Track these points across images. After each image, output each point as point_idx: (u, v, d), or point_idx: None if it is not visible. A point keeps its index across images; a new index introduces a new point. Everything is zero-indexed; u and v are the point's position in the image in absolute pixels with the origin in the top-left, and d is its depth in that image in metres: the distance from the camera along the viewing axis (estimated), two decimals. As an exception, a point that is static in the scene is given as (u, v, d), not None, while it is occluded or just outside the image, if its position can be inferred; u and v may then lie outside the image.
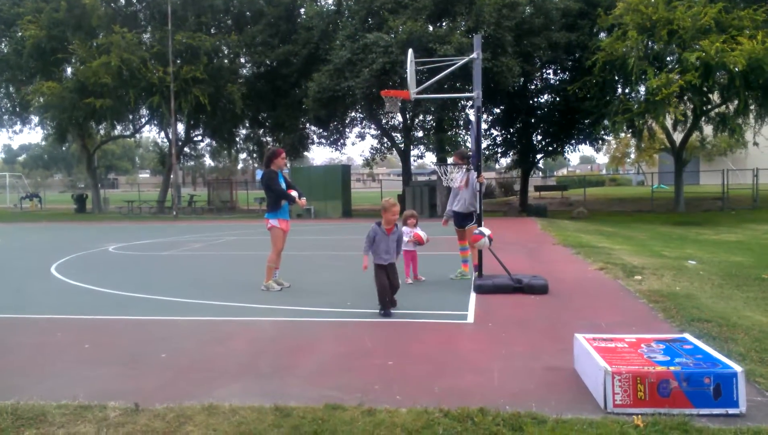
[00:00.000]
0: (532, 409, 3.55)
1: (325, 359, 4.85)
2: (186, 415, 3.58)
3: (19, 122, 34.43)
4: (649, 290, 7.19)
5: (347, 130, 32.97)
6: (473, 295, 7.24)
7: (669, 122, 25.55)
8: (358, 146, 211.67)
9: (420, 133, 32.23)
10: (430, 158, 35.68)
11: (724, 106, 24.65)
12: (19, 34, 28.54)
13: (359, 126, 32.87)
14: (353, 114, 31.42)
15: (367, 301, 6.99)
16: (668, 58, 22.65)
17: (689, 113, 25.06)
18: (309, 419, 3.48)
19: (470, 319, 6.14)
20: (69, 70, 31.39)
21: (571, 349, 4.48)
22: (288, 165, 37.40)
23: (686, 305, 6.28)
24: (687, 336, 4.41)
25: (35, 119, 33.48)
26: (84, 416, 3.60)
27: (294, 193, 7.94)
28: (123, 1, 31.68)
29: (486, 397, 3.82)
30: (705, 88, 21.76)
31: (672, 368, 3.58)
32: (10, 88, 32.35)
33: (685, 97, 22.83)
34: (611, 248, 11.90)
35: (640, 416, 3.43)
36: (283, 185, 7.98)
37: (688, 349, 4.01)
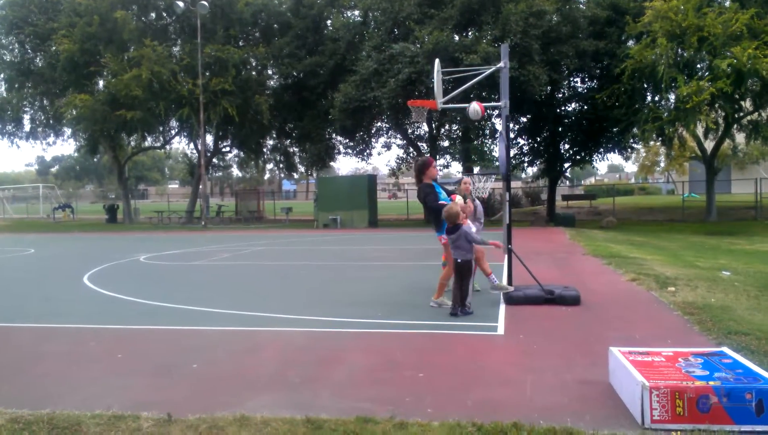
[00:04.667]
0: (567, 424, 3.49)
1: (355, 370, 4.84)
2: (218, 426, 3.59)
3: (52, 134, 35.22)
4: (683, 302, 7.04)
5: (373, 140, 33.05)
6: (503, 306, 7.16)
7: (700, 130, 25.11)
8: (384, 156, 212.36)
9: (446, 143, 32.24)
10: (456, 168, 35.60)
11: (756, 113, 24.16)
12: (53, 48, 29.27)
13: (385, 136, 32.94)
14: (379, 124, 31.49)
15: (396, 312, 6.97)
16: (699, 66, 22.29)
17: (721, 121, 24.61)
18: (341, 432, 3.47)
19: (500, 330, 6.07)
20: (101, 83, 32.00)
21: (605, 362, 4.40)
22: (314, 175, 37.62)
23: (722, 317, 6.13)
24: (725, 349, 4.31)
25: (68, 131, 34.22)
26: (118, 426, 3.64)
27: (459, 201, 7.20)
28: (153, 15, 32.25)
29: (519, 410, 3.77)
30: (737, 96, 21.35)
31: (712, 383, 3.49)
32: (44, 101, 33.14)
33: (717, 105, 22.39)
34: (643, 259, 11.70)
35: (678, 432, 3.35)
36: (442, 194, 7.29)
37: (728, 363, 3.91)
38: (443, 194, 7.29)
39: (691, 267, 10.56)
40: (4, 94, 32.73)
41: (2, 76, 32.39)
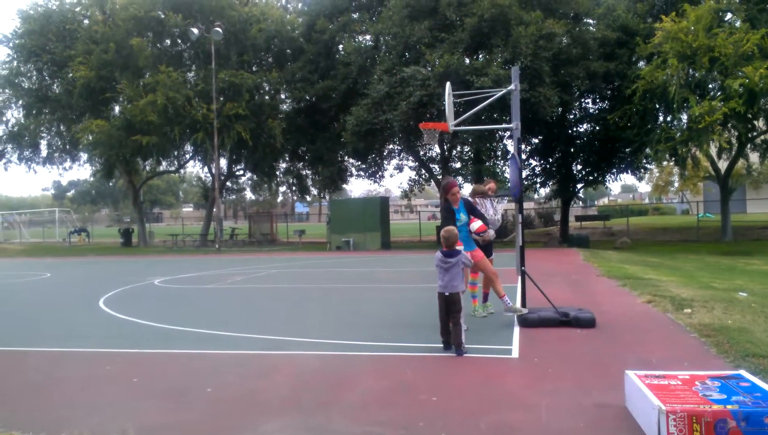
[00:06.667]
0: (583, 449, 3.46)
1: (367, 394, 4.82)
2: (233, 451, 3.59)
3: (69, 159, 35.70)
4: (699, 324, 6.96)
5: (385, 162, 33.16)
6: (517, 329, 7.12)
7: (713, 150, 25.00)
8: (396, 178, 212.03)
9: (458, 165, 32.28)
10: (468, 189, 35.58)
11: (770, 132, 24.07)
12: (70, 75, 29.80)
13: (397, 158, 33.06)
14: (391, 146, 31.63)
15: (407, 335, 6.94)
16: (710, 86, 22.26)
17: (734, 141, 24.51)
18: (355, 456, 3.45)
19: (515, 353, 6.03)
20: (117, 108, 32.50)
21: (621, 385, 4.36)
22: (326, 197, 37.75)
23: (740, 340, 6.05)
24: (743, 373, 4.26)
25: (84, 156, 34.66)
26: (133, 451, 3.65)
27: (474, 225, 7.33)
28: (168, 42, 32.78)
29: (534, 434, 3.74)
30: (750, 115, 21.27)
31: (729, 407, 3.45)
32: (61, 127, 33.67)
33: (729, 125, 22.34)
34: (658, 280, 11.60)
35: (697, 457, 3.31)
36: (465, 216, 7.37)
37: (745, 386, 3.86)
38: (465, 215, 7.34)
39: (707, 288, 10.45)
40: (22, 121, 33.31)
41: (20, 102, 33.02)
